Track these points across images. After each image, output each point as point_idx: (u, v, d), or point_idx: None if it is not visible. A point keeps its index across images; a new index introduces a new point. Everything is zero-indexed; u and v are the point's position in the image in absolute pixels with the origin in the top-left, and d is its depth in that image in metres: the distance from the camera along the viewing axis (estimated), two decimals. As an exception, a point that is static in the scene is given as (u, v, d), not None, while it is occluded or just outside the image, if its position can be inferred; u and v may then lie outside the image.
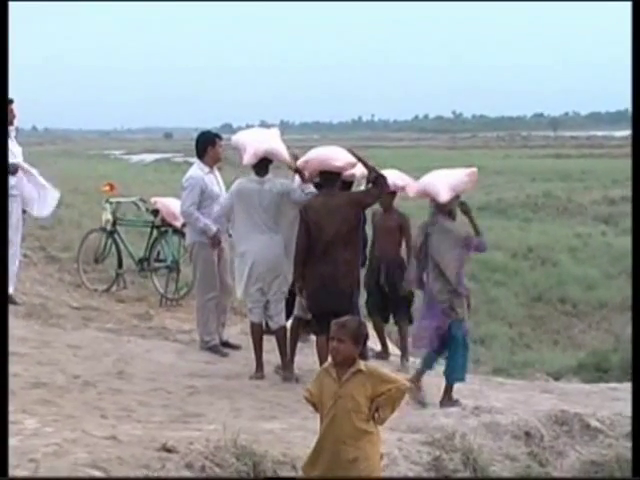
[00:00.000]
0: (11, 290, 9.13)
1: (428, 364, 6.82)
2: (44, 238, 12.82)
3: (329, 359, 4.56)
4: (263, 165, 7.27)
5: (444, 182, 6.57)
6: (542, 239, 20.48)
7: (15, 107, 8.87)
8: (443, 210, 6.59)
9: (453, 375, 6.75)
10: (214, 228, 7.95)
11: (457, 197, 6.65)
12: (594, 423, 6.93)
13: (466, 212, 6.70)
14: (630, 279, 16.47)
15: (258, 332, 7.51)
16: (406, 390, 4.58)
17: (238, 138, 7.56)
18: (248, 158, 7.23)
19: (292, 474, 5.36)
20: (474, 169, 6.92)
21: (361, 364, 4.43)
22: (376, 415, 4.43)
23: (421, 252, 6.71)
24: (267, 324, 7.86)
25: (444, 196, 6.49)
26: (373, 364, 4.72)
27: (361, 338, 4.48)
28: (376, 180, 7.01)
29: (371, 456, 4.43)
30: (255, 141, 7.35)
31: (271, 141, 7.40)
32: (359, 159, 7.10)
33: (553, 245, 19.90)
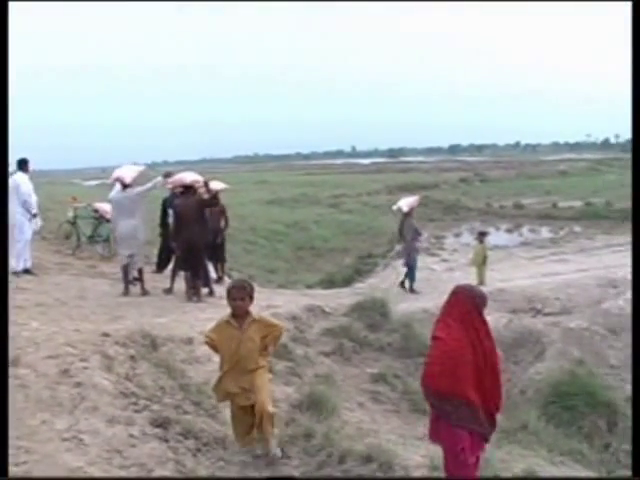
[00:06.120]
0: (29, 265, 11.15)
1: None
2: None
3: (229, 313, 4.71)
4: (121, 183, 10.34)
5: None
6: (300, 216, 28.89)
7: None
8: None
9: None
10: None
11: None
12: (327, 309, 9.38)
13: None
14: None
15: (125, 270, 10.45)
16: (284, 330, 4.96)
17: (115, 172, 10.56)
18: (111, 179, 10.45)
19: (173, 347, 6.33)
20: None
21: (254, 314, 4.66)
22: (266, 350, 4.72)
23: None
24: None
25: None
26: (259, 312, 4.92)
27: (253, 294, 4.66)
28: (213, 196, 10.26)
29: (265, 382, 4.72)
30: (116, 171, 10.47)
31: (122, 171, 10.37)
32: (204, 183, 10.13)
33: (306, 219, 27.92)
